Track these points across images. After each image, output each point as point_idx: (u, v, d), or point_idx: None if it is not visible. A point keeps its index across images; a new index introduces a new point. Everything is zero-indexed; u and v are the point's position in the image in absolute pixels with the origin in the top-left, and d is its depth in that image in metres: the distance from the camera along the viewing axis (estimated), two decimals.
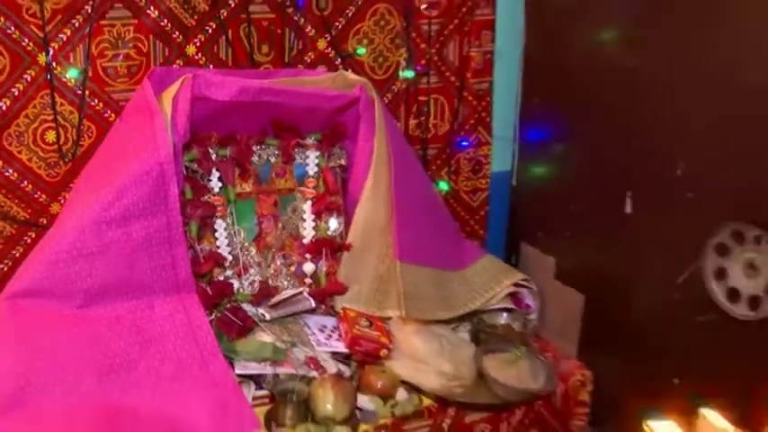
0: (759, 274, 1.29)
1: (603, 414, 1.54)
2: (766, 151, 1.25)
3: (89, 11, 1.30)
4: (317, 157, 1.49)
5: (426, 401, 1.37)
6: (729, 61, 1.29)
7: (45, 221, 1.32)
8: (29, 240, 1.32)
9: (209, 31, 1.39)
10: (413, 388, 1.37)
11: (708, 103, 1.32)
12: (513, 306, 1.58)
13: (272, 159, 1.46)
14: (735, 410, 1.32)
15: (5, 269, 1.31)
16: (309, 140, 1.48)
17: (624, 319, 1.53)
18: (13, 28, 1.26)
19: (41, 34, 1.28)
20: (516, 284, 1.58)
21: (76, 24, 1.30)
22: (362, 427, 1.29)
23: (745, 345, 1.33)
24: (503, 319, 1.56)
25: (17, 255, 1.31)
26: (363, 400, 1.33)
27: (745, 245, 1.30)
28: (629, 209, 1.48)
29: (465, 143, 1.66)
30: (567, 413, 1.48)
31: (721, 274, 1.33)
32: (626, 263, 1.51)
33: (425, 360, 1.40)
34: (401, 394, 1.36)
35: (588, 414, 1.51)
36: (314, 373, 1.34)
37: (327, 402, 1.27)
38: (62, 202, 1.32)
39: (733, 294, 1.33)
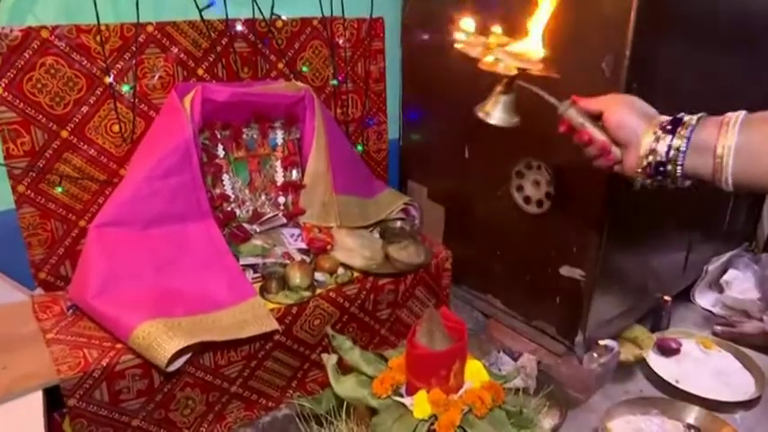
0: (540, 187, 1.33)
1: (459, 275, 1.59)
2: (536, 117, 1.28)
3: (134, 49, 1.27)
4: (282, 134, 1.50)
5: (356, 274, 1.40)
6: (518, 71, 1.31)
7: (116, 180, 1.29)
8: (107, 192, 1.30)
9: (211, 59, 1.38)
10: (347, 266, 1.40)
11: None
12: (404, 216, 1.61)
13: (255, 136, 1.46)
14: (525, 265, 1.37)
15: (95, 211, 1.28)
16: (277, 124, 1.48)
17: (468, 219, 1.57)
18: (85, 61, 1.23)
19: (104, 65, 1.25)
20: (406, 203, 1.62)
21: (126, 57, 1.28)
22: (318, 290, 1.32)
23: (534, 228, 1.37)
24: (399, 223, 1.60)
25: (101, 201, 1.29)
26: (318, 275, 1.36)
27: (532, 170, 1.35)
28: (467, 154, 1.52)
29: (371, 122, 1.69)
30: (438, 276, 1.53)
31: (520, 188, 1.38)
32: (467, 186, 1.55)
33: (354, 249, 1.44)
34: (341, 270, 1.40)
35: (450, 275, 1.56)
36: (288, 261, 1.36)
37: (296, 277, 1.30)
38: (126, 167, 1.30)
39: (527, 200, 1.37)
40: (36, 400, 1.01)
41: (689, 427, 1.27)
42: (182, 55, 1.34)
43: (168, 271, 1.23)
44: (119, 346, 1.10)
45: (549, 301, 1.40)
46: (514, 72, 0.87)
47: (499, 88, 0.92)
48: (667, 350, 1.54)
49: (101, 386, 1.06)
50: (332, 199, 1.47)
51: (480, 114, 0.94)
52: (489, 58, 0.87)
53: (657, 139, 0.77)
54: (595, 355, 1.38)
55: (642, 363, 1.49)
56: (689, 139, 0.75)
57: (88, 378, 1.05)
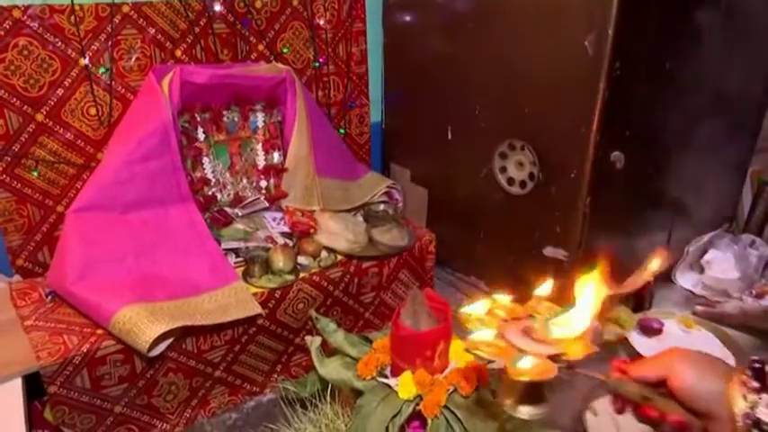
0: (524, 168, 1.34)
1: (442, 257, 1.59)
2: (519, 98, 1.28)
3: (109, 30, 1.25)
4: (263, 117, 1.48)
5: (339, 257, 1.39)
6: (501, 48, 1.31)
7: (93, 164, 1.27)
8: (84, 177, 1.28)
9: (189, 40, 1.35)
10: (331, 250, 1.40)
11: (491, 73, 1.35)
12: (387, 199, 1.61)
13: (236, 119, 1.45)
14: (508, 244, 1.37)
15: (72, 196, 1.26)
16: (258, 106, 1.47)
17: (451, 201, 1.57)
18: (60, 43, 1.20)
19: (80, 46, 1.23)
20: (389, 186, 1.61)
21: (102, 39, 1.25)
22: (301, 274, 1.31)
23: (518, 209, 1.37)
24: (382, 206, 1.59)
25: (78, 186, 1.26)
26: (301, 259, 1.35)
27: (515, 151, 1.34)
28: (450, 136, 1.51)
29: (353, 105, 1.68)
30: (422, 258, 1.53)
31: (503, 169, 1.38)
32: (450, 168, 1.55)
33: (337, 233, 1.43)
34: (324, 254, 1.39)
35: (434, 258, 1.56)
36: (270, 245, 1.35)
37: (279, 261, 1.29)
38: (103, 151, 1.27)
39: (510, 181, 1.37)
40: (15, 388, 0.99)
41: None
42: (159, 36, 1.32)
43: (149, 256, 1.22)
44: (99, 331, 1.09)
45: (532, 282, 1.40)
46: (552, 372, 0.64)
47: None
48: (649, 330, 1.56)
49: (82, 372, 1.05)
50: (314, 182, 1.46)
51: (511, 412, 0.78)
52: (522, 363, 0.63)
53: (753, 406, 0.61)
54: None
55: (625, 343, 1.50)
56: None
57: (68, 364, 1.03)
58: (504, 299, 0.73)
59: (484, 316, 0.69)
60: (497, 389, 0.83)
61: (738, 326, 1.59)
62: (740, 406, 0.60)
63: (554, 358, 0.63)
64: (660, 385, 0.66)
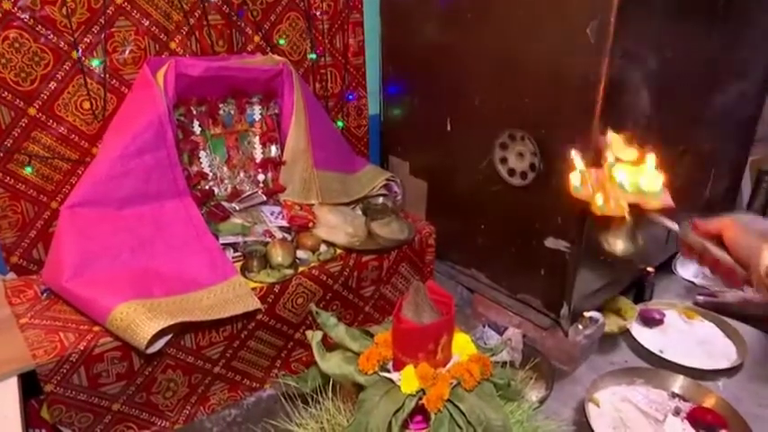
0: (525, 159, 1.33)
1: (442, 250, 1.58)
2: (519, 88, 1.27)
3: (102, 22, 1.22)
4: (260, 109, 1.46)
5: (339, 251, 1.38)
6: (500, 37, 1.30)
7: (88, 159, 1.25)
8: (79, 172, 1.26)
9: (184, 32, 1.33)
10: (330, 244, 1.38)
11: (490, 62, 1.34)
12: (386, 192, 1.60)
13: (232, 112, 1.43)
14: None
15: (66, 191, 1.24)
16: (254, 99, 1.45)
17: (451, 193, 1.56)
18: (52, 35, 1.18)
19: (72, 39, 1.20)
20: (388, 179, 1.60)
21: (95, 31, 1.23)
22: (300, 268, 1.30)
23: (518, 201, 1.37)
24: (381, 200, 1.58)
25: (73, 181, 1.24)
26: (300, 253, 1.34)
27: (516, 141, 1.33)
28: (449, 128, 1.50)
29: (351, 97, 1.65)
30: (422, 252, 1.52)
31: (504, 160, 1.37)
32: (450, 160, 1.54)
33: (336, 226, 1.42)
34: (323, 248, 1.38)
35: (434, 251, 1.55)
36: (269, 239, 1.33)
37: (278, 255, 1.28)
38: (98, 146, 1.25)
39: (511, 172, 1.36)
40: (11, 387, 0.98)
41: (673, 395, 1.28)
42: (153, 28, 1.30)
43: (145, 251, 1.20)
44: (96, 328, 1.07)
45: (533, 274, 1.39)
46: (625, 215, 0.86)
47: (615, 223, 0.89)
48: (651, 321, 1.55)
49: (79, 370, 1.04)
50: (313, 175, 1.44)
51: (607, 249, 0.98)
52: (599, 200, 0.87)
53: None
54: (580, 327, 1.39)
55: (626, 334, 1.50)
56: None
57: (65, 362, 1.02)
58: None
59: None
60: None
61: (739, 315, 1.59)
62: (766, 259, 0.74)
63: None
64: (717, 238, 0.81)
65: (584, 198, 0.90)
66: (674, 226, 0.86)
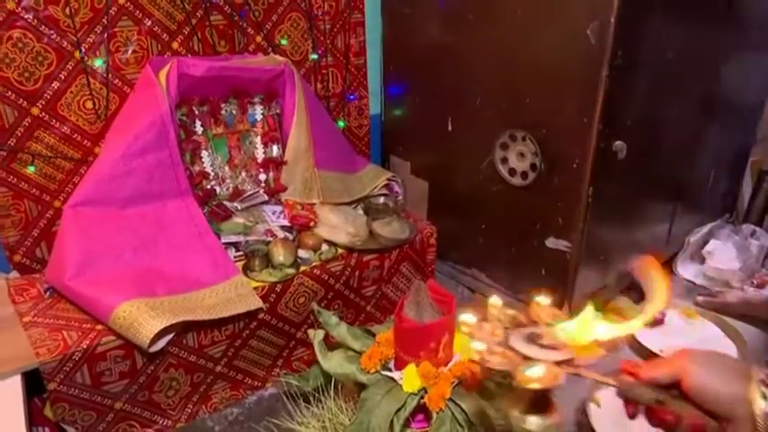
0: (525, 159, 1.33)
1: (443, 250, 1.58)
2: (520, 88, 1.27)
3: (105, 22, 1.23)
4: (261, 109, 1.46)
5: (340, 250, 1.38)
6: (501, 38, 1.30)
7: (91, 159, 1.25)
8: (82, 171, 1.26)
9: (186, 32, 1.34)
10: (331, 243, 1.39)
11: (491, 63, 1.34)
12: (387, 192, 1.60)
13: (234, 112, 1.43)
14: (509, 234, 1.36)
15: (69, 191, 1.25)
16: (256, 99, 1.45)
17: (452, 193, 1.56)
18: (55, 35, 1.19)
19: (75, 39, 1.21)
20: (389, 179, 1.61)
21: (98, 31, 1.23)
22: (302, 267, 1.30)
23: (519, 201, 1.37)
24: (382, 199, 1.58)
25: (76, 181, 1.25)
26: (301, 252, 1.34)
27: (516, 142, 1.33)
28: (450, 128, 1.50)
29: (352, 97, 1.66)
30: (423, 251, 1.52)
31: (505, 160, 1.37)
32: (450, 160, 1.54)
33: (338, 226, 1.42)
34: (324, 247, 1.38)
35: (435, 251, 1.55)
36: (270, 239, 1.34)
37: (280, 255, 1.28)
38: (101, 145, 1.26)
39: (512, 172, 1.36)
40: (15, 385, 0.98)
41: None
42: (155, 28, 1.30)
43: (148, 250, 1.20)
44: (99, 327, 1.08)
45: (534, 274, 1.39)
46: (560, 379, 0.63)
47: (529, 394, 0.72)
48: (651, 321, 1.55)
49: (82, 369, 1.04)
50: (314, 175, 1.45)
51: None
52: (532, 371, 0.62)
53: None
54: None
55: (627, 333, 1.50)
56: None
57: (68, 361, 1.02)
58: (497, 303, 0.70)
59: (476, 325, 0.66)
60: (500, 400, 0.80)
61: (740, 316, 1.59)
62: (761, 405, 0.58)
63: (561, 364, 0.61)
64: (672, 388, 0.63)
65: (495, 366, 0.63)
66: (610, 382, 0.66)
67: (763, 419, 0.58)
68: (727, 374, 0.61)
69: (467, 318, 0.68)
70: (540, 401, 0.66)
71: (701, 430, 0.62)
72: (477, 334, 0.65)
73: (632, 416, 0.66)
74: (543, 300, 0.69)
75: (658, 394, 0.63)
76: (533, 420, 0.69)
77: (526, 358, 0.60)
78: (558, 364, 0.61)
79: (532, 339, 0.62)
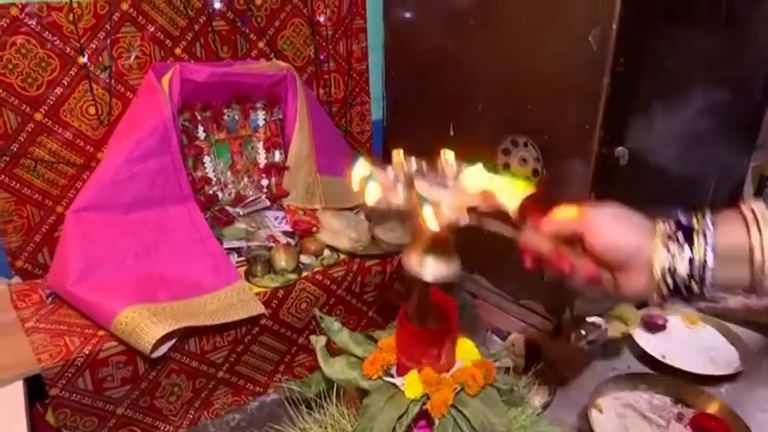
0: (528, 165, 1.33)
1: None
2: (522, 94, 1.27)
3: (108, 28, 1.23)
4: (264, 115, 1.47)
5: (342, 256, 1.38)
6: (503, 43, 1.30)
7: (93, 164, 1.26)
8: (84, 177, 1.27)
9: (189, 38, 1.34)
10: (333, 249, 1.39)
11: (493, 68, 1.34)
12: None
13: (236, 117, 1.44)
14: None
15: (72, 196, 1.25)
16: (258, 104, 1.46)
17: None
18: (58, 41, 1.19)
19: (78, 44, 1.21)
20: None
21: (101, 37, 1.24)
22: (304, 273, 1.30)
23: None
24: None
25: (78, 186, 1.25)
26: (304, 258, 1.34)
27: (518, 147, 1.33)
28: (452, 133, 1.50)
29: (354, 102, 1.67)
30: None
31: (507, 166, 1.36)
32: None
33: (340, 231, 1.42)
34: (326, 252, 1.38)
35: None
36: (272, 244, 1.34)
37: (282, 260, 1.28)
38: (103, 150, 1.26)
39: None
40: (17, 391, 0.98)
41: (676, 401, 1.28)
42: (158, 34, 1.31)
43: (150, 256, 1.20)
44: (101, 333, 1.08)
45: (536, 280, 1.39)
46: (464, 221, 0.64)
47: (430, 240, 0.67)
48: (653, 326, 1.55)
49: (84, 374, 1.04)
50: (316, 180, 1.45)
51: (412, 269, 0.71)
52: (427, 213, 0.63)
53: (673, 256, 0.62)
54: (583, 332, 1.38)
55: (629, 339, 1.50)
56: (713, 247, 0.60)
57: (70, 366, 1.02)
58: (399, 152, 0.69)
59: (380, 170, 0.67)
60: (407, 247, 0.73)
61: (742, 321, 1.59)
62: (661, 256, 0.62)
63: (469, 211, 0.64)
64: (573, 240, 0.66)
65: (393, 205, 0.66)
66: (511, 233, 0.70)
67: (660, 271, 0.61)
68: (629, 227, 0.65)
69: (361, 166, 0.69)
70: (440, 248, 0.69)
71: (597, 280, 0.65)
72: (381, 176, 0.67)
73: (530, 266, 0.71)
74: (449, 153, 0.69)
75: (557, 246, 0.67)
76: (432, 267, 0.70)
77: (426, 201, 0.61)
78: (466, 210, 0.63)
79: (437, 183, 0.64)
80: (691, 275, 0.61)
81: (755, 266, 0.58)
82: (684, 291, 0.62)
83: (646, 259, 0.63)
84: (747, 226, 0.59)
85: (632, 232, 0.64)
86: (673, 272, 0.61)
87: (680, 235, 0.62)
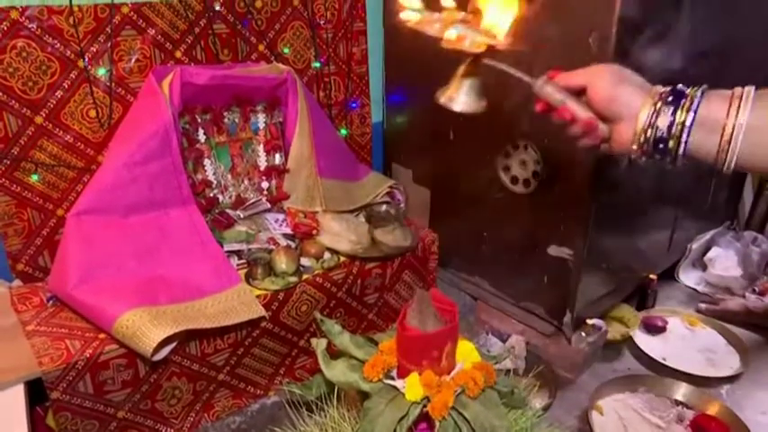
0: (528, 167, 1.33)
1: (445, 257, 1.58)
2: (523, 97, 1.27)
3: (109, 32, 1.23)
4: (264, 118, 1.47)
5: (342, 258, 1.39)
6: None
7: (94, 167, 1.26)
8: (85, 180, 1.27)
9: (189, 41, 1.34)
10: (333, 251, 1.39)
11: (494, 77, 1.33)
12: (390, 200, 1.60)
13: (237, 120, 1.44)
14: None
15: (72, 199, 1.25)
16: (259, 107, 1.46)
17: (454, 201, 1.57)
18: (58, 44, 1.19)
19: (79, 48, 1.21)
20: (391, 187, 1.61)
21: (101, 40, 1.24)
22: (304, 275, 1.30)
23: (521, 209, 1.37)
24: (384, 207, 1.58)
25: (79, 189, 1.25)
26: (304, 260, 1.34)
27: (518, 150, 1.34)
28: (452, 136, 1.50)
29: (354, 105, 1.66)
30: (425, 259, 1.53)
31: (507, 168, 1.37)
32: (452, 168, 1.54)
33: (340, 234, 1.42)
34: (327, 255, 1.38)
35: (437, 258, 1.55)
36: (273, 247, 1.34)
37: (282, 263, 1.28)
38: (104, 154, 1.26)
39: (514, 180, 1.37)
40: (18, 394, 0.98)
41: (677, 403, 1.29)
42: (159, 37, 1.31)
43: (151, 259, 1.20)
44: (102, 336, 1.08)
45: (537, 282, 1.40)
46: (482, 49, 0.79)
47: (462, 69, 0.83)
48: (653, 328, 1.55)
49: (84, 378, 1.04)
50: (316, 183, 1.45)
51: (442, 100, 0.86)
52: (452, 34, 0.79)
53: (658, 113, 0.69)
54: (583, 334, 1.39)
55: (629, 341, 1.50)
56: (695, 112, 0.67)
57: (71, 370, 1.02)
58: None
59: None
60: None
61: (742, 323, 1.59)
62: (646, 112, 0.70)
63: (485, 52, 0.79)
64: (580, 94, 0.76)
65: (428, 31, 0.81)
66: (527, 78, 0.80)
67: (642, 123, 0.71)
68: (627, 84, 0.73)
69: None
70: (467, 75, 0.85)
71: (593, 128, 0.76)
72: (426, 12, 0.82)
73: (541, 111, 0.82)
74: (447, 2, 0.82)
75: (565, 96, 0.77)
76: (463, 100, 0.85)
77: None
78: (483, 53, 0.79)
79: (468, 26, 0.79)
80: (670, 133, 0.69)
81: (723, 140, 0.66)
82: (662, 146, 0.70)
83: (635, 113, 0.71)
84: (730, 105, 0.66)
85: (628, 89, 0.73)
86: (654, 126, 0.70)
87: (671, 98, 0.70)
